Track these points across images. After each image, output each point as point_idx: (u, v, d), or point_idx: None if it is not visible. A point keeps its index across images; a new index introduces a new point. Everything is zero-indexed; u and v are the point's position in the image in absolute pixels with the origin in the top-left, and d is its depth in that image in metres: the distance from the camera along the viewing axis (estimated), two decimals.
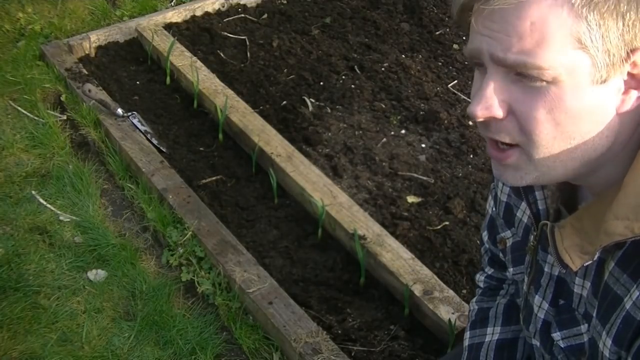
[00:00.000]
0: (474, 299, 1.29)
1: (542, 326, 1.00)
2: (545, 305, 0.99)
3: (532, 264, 1.00)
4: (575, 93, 0.75)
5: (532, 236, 0.99)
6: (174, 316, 2.08)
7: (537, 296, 1.00)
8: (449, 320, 1.91)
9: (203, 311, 2.12)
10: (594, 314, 0.87)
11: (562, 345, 0.96)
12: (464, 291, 2.11)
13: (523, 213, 1.03)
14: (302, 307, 2.04)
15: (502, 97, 0.78)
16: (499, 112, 0.79)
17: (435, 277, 2.07)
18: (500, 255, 1.19)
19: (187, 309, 2.13)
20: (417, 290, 2.02)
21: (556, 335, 0.96)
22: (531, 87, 0.76)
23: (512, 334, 1.19)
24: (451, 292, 2.02)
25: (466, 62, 3.15)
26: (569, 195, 0.95)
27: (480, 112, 0.79)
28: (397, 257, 2.13)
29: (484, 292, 1.28)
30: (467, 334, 1.25)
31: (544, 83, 0.75)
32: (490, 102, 0.78)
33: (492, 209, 1.18)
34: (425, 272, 2.08)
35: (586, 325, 0.91)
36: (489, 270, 1.27)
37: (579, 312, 0.92)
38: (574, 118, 0.76)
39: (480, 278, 1.30)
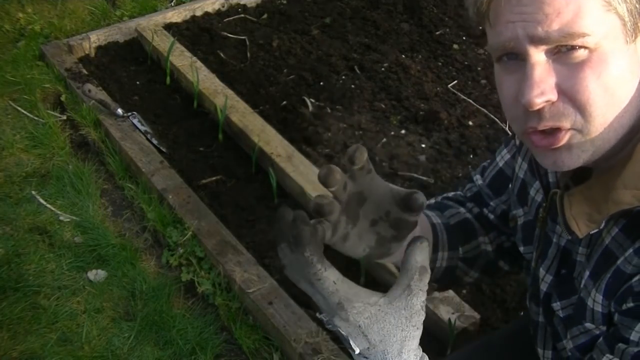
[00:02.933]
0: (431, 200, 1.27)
1: (544, 298, 1.01)
2: (549, 278, 0.99)
3: (541, 236, 1.00)
4: (616, 55, 0.78)
5: (542, 208, 0.99)
6: (174, 316, 2.08)
7: (541, 269, 1.00)
8: (449, 320, 1.91)
9: (203, 311, 2.12)
10: (585, 276, 0.88)
11: (561, 315, 0.97)
12: (464, 291, 2.11)
13: (536, 192, 1.04)
14: (302, 307, 2.04)
15: (550, 78, 0.78)
16: (553, 94, 0.78)
17: None
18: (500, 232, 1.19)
19: (187, 309, 2.13)
20: None
21: (555, 305, 0.97)
22: (574, 61, 0.77)
23: (479, 229, 1.18)
24: (451, 292, 2.02)
25: (466, 62, 3.15)
26: (577, 170, 0.95)
27: (537, 99, 0.78)
28: None
29: (446, 197, 1.26)
30: (432, 200, 1.23)
31: (587, 52, 0.76)
32: (543, 87, 0.78)
33: (505, 162, 1.16)
34: None
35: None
36: (460, 192, 1.26)
37: (577, 281, 0.93)
38: (619, 79, 0.78)
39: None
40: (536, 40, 0.77)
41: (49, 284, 2.17)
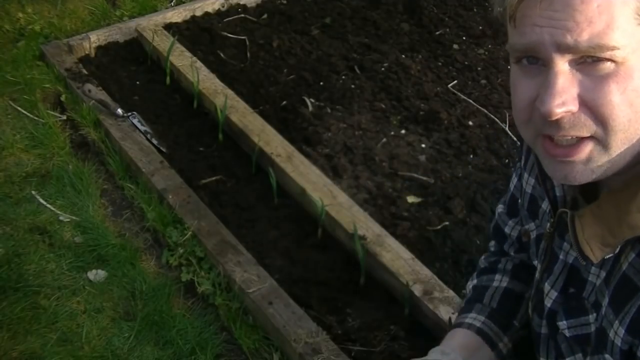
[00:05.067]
0: (469, 283, 1.27)
1: (548, 314, 0.99)
2: (554, 294, 0.98)
3: (547, 251, 0.99)
4: None
5: (549, 223, 0.97)
6: (174, 316, 2.08)
7: (546, 284, 0.99)
8: (449, 320, 1.91)
9: (203, 311, 2.12)
10: (605, 303, 0.86)
11: (567, 335, 0.95)
12: (464, 291, 2.10)
13: (548, 205, 1.02)
14: (302, 307, 2.04)
15: (573, 89, 0.76)
16: (574, 105, 0.76)
17: (435, 277, 2.07)
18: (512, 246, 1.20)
19: (187, 309, 2.13)
20: (417, 290, 2.02)
21: (562, 324, 0.95)
22: (600, 73, 0.75)
23: (520, 287, 1.17)
24: (451, 292, 2.02)
25: (466, 62, 3.15)
26: (587, 184, 0.93)
27: (557, 109, 0.76)
28: (397, 257, 2.13)
29: (481, 271, 1.25)
30: (470, 284, 1.23)
31: (613, 65, 0.74)
32: (565, 97, 0.76)
33: (514, 185, 1.17)
34: (425, 272, 2.08)
35: (594, 314, 0.90)
36: (492, 246, 1.26)
37: (589, 302, 0.91)
38: None
39: (480, 260, 1.28)
40: (563, 49, 0.74)
41: (49, 284, 2.17)
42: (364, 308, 2.09)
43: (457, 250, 2.24)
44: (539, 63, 0.78)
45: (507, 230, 1.20)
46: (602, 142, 0.78)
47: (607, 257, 0.84)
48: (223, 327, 2.08)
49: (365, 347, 1.97)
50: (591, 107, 0.76)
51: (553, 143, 0.80)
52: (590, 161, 0.79)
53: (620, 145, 0.78)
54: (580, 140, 0.78)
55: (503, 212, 1.21)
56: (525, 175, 1.08)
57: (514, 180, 1.17)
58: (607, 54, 0.74)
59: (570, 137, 0.78)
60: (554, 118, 0.77)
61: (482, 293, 1.18)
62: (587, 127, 0.77)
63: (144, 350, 2.00)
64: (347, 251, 2.25)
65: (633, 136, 0.78)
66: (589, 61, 0.75)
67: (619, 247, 0.82)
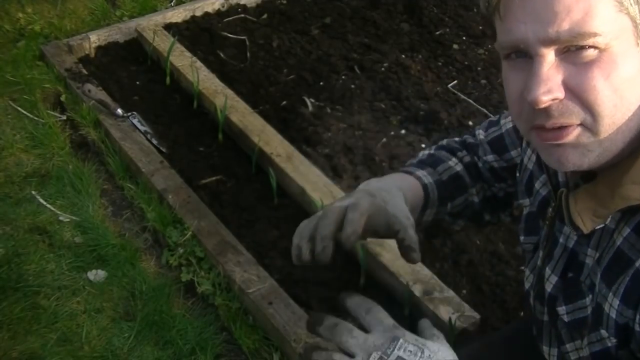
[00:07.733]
0: (425, 150, 1.30)
1: (549, 299, 1.00)
2: (554, 279, 0.98)
3: (549, 236, 1.00)
4: (626, 56, 0.77)
5: (551, 208, 0.98)
6: (174, 316, 2.08)
7: (547, 269, 1.00)
8: (449, 320, 1.91)
9: (203, 311, 2.12)
10: (598, 278, 0.87)
11: (566, 320, 0.96)
12: (464, 291, 2.11)
13: (542, 185, 1.04)
14: (302, 307, 2.04)
15: (558, 76, 0.78)
16: (560, 92, 0.78)
17: (435, 277, 2.07)
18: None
19: (187, 309, 2.13)
20: (417, 290, 2.02)
21: (561, 310, 0.96)
22: (583, 60, 0.77)
23: (468, 180, 1.22)
24: (451, 293, 2.02)
25: (466, 62, 3.15)
26: (588, 173, 0.94)
27: (543, 96, 0.78)
28: (397, 257, 2.12)
29: (440, 147, 1.29)
30: (426, 151, 1.28)
31: (596, 52, 0.76)
32: (550, 85, 0.78)
33: (506, 128, 1.19)
34: (425, 272, 2.08)
35: (590, 296, 0.90)
36: (456, 139, 1.29)
37: (585, 284, 0.92)
38: (630, 81, 0.78)
39: (444, 140, 1.31)
40: (547, 42, 0.77)
41: (49, 284, 2.17)
42: None
43: (457, 250, 2.24)
44: (526, 56, 0.80)
45: (482, 161, 1.23)
46: (590, 128, 0.80)
47: (598, 227, 0.85)
48: (223, 327, 2.08)
49: None
50: (576, 93, 0.78)
51: (545, 131, 0.82)
52: (579, 145, 0.81)
53: (608, 129, 0.79)
54: (568, 125, 0.80)
55: (485, 141, 1.23)
56: (529, 150, 1.09)
57: (509, 123, 1.18)
58: (590, 41, 0.75)
59: (560, 125, 0.80)
60: (541, 106, 0.79)
61: (437, 162, 1.22)
62: (576, 114, 0.79)
63: (144, 350, 2.00)
64: (347, 251, 2.24)
65: (620, 121, 0.79)
66: (573, 49, 0.77)
67: (610, 218, 0.83)
